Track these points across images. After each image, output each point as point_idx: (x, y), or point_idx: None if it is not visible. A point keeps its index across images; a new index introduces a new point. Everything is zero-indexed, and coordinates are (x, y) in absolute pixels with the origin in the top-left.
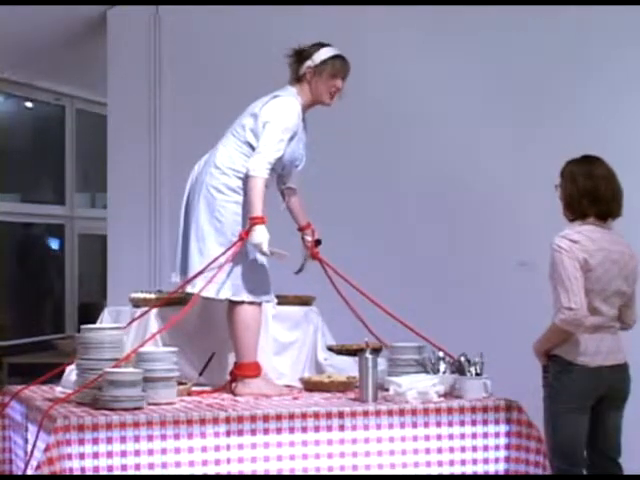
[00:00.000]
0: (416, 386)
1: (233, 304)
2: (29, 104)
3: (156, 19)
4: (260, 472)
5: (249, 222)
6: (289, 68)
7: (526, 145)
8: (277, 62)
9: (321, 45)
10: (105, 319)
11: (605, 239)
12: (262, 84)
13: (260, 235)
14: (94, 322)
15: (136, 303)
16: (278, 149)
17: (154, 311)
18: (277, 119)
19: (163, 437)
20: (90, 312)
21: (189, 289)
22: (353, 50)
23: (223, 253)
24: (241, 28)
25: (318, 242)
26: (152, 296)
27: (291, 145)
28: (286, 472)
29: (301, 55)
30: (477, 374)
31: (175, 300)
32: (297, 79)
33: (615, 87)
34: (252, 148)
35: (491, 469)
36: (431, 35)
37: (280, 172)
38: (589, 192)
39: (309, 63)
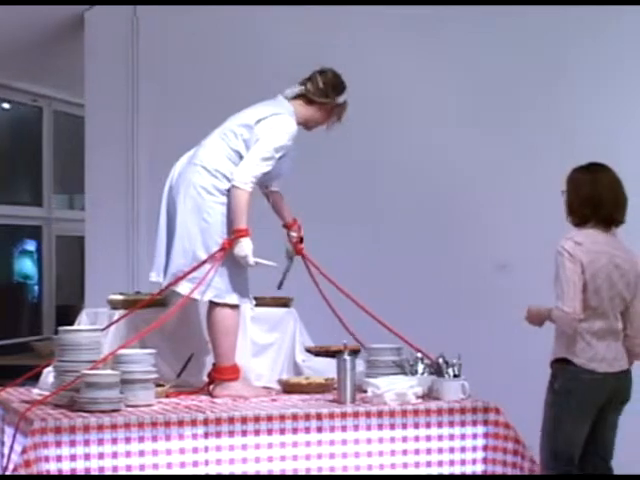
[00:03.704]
0: (394, 388)
1: (213, 307)
2: (6, 105)
3: (134, 20)
4: (238, 474)
5: (234, 233)
6: (310, 84)
7: (502, 146)
8: (257, 62)
9: (342, 84)
10: (83, 321)
11: (608, 243)
12: (242, 84)
13: (245, 248)
14: (72, 324)
15: (114, 305)
16: (266, 165)
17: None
18: (272, 137)
19: (141, 439)
20: (68, 314)
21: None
22: (329, 50)
23: (207, 259)
24: (220, 28)
25: (300, 240)
26: (130, 298)
27: (280, 162)
28: (264, 474)
29: (321, 82)
30: (455, 375)
31: (154, 302)
32: (306, 99)
33: (585, 88)
34: (241, 157)
35: (468, 470)
36: (409, 35)
37: (263, 181)
38: (590, 200)
39: (333, 97)
